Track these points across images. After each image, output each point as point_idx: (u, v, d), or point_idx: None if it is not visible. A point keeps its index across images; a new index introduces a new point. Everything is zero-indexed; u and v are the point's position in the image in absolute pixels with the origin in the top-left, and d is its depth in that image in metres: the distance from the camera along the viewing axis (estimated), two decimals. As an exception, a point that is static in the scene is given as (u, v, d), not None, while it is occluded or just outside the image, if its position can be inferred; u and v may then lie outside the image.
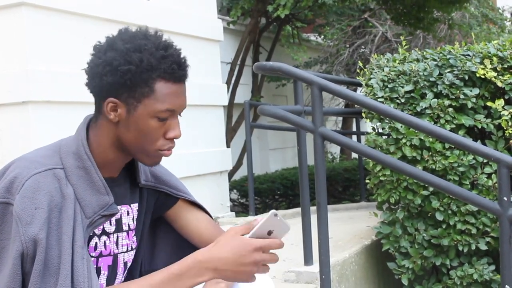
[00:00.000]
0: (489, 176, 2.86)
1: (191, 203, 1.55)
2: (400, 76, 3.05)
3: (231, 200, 5.67)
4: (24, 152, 1.36)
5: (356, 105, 3.89)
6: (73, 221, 1.23)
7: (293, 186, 6.39)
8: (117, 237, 1.39)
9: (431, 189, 2.87)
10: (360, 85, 3.50)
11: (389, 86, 3.03)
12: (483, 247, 2.84)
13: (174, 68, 1.28)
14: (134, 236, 1.44)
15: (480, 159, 2.85)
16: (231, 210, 5.01)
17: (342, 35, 7.62)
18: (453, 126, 2.89)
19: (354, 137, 5.72)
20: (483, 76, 2.88)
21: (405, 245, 2.95)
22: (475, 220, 2.84)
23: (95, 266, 1.34)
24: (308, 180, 2.64)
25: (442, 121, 2.90)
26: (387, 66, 3.14)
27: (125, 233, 1.41)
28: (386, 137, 3.04)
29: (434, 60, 3.05)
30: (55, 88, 3.20)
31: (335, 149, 9.26)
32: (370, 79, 3.13)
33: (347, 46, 7.68)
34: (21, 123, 3.10)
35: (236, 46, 6.56)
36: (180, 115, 1.35)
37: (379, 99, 2.98)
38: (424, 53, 3.16)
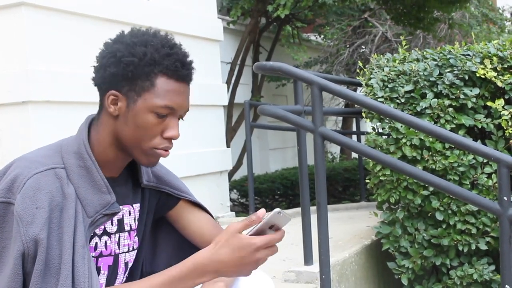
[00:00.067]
0: (489, 176, 2.86)
1: (193, 203, 1.55)
2: (400, 76, 3.05)
3: (231, 200, 5.67)
4: (24, 152, 1.36)
5: (356, 105, 3.89)
6: (74, 221, 1.23)
7: (293, 186, 6.39)
8: (119, 237, 1.39)
9: (431, 189, 2.87)
10: (360, 85, 3.50)
11: (389, 86, 3.03)
12: (483, 247, 2.84)
13: (178, 66, 1.29)
14: (136, 237, 1.44)
15: (480, 159, 2.85)
16: (231, 210, 5.01)
17: (342, 35, 7.62)
18: (453, 126, 2.89)
19: (354, 137, 5.72)
20: (483, 76, 2.88)
21: (405, 245, 2.95)
22: (475, 220, 2.84)
23: (95, 266, 1.34)
24: (308, 180, 2.64)
25: (442, 121, 2.90)
26: (387, 66, 3.14)
27: (126, 233, 1.41)
28: (386, 137, 3.04)
29: (434, 60, 3.05)
30: (55, 88, 3.20)
31: (335, 149, 9.26)
32: (370, 79, 3.13)
33: (347, 46, 7.67)
34: (21, 123, 3.10)
35: (236, 46, 6.56)
36: (182, 118, 1.35)
37: (379, 99, 2.98)
38: (424, 53, 3.16)
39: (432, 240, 2.91)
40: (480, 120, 2.91)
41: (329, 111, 5.03)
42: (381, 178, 2.97)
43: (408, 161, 2.87)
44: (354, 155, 7.84)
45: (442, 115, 2.91)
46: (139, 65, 1.27)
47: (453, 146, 2.83)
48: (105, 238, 1.36)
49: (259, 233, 1.21)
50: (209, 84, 4.57)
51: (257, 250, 1.20)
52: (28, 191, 1.20)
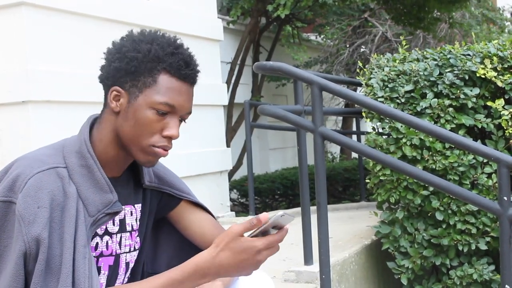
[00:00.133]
0: (489, 176, 2.86)
1: (194, 204, 1.55)
2: (400, 76, 3.05)
3: (231, 199, 5.67)
4: (24, 152, 1.36)
5: (356, 105, 3.89)
6: (76, 220, 1.23)
7: (293, 186, 6.39)
8: (121, 237, 1.39)
9: (431, 188, 2.87)
10: (360, 84, 3.50)
11: (389, 85, 3.03)
12: (483, 247, 2.84)
13: (181, 65, 1.30)
14: (137, 237, 1.44)
15: (480, 159, 2.85)
16: (231, 210, 5.01)
17: (342, 35, 7.62)
18: (453, 125, 2.89)
19: (354, 137, 5.72)
20: (483, 76, 2.88)
21: (404, 244, 2.95)
22: (475, 220, 2.84)
23: (95, 265, 1.34)
24: (308, 180, 2.64)
25: (442, 120, 2.90)
26: (387, 66, 3.14)
27: (128, 234, 1.41)
28: (386, 136, 3.04)
29: (435, 59, 3.05)
30: (55, 88, 3.20)
31: (335, 149, 9.26)
32: (370, 78, 3.13)
33: (347, 46, 7.67)
34: (21, 123, 3.10)
35: (236, 45, 6.55)
36: (184, 121, 1.35)
37: (379, 99, 2.98)
38: (424, 52, 3.16)
39: (432, 240, 2.91)
40: (480, 120, 2.91)
41: (329, 111, 5.03)
42: (381, 178, 2.97)
43: (408, 161, 2.87)
44: (354, 155, 7.84)
45: (442, 115, 2.91)
46: (142, 61, 1.28)
47: (453, 146, 2.83)
48: (106, 238, 1.36)
49: (261, 233, 1.20)
50: (209, 84, 4.57)
51: (258, 252, 1.20)
52: (30, 190, 1.20)
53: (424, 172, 2.45)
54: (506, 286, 2.26)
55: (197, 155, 4.36)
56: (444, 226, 2.89)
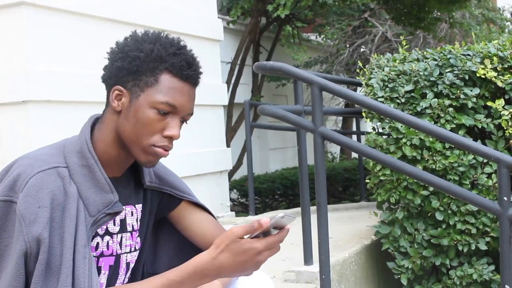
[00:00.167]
0: (489, 176, 2.86)
1: (195, 204, 1.55)
2: (400, 76, 3.05)
3: (231, 199, 5.67)
4: (24, 152, 1.36)
5: (356, 105, 3.89)
6: (76, 220, 1.23)
7: (293, 186, 6.39)
8: (121, 237, 1.39)
9: (431, 189, 2.87)
10: (360, 85, 3.50)
11: (389, 86, 3.03)
12: (483, 247, 2.84)
13: (183, 65, 1.30)
14: (138, 237, 1.44)
15: (480, 159, 2.85)
16: (231, 210, 5.01)
17: (342, 35, 7.62)
18: (453, 126, 2.89)
19: (354, 137, 5.72)
20: (483, 76, 2.88)
21: (404, 244, 2.95)
22: (475, 220, 2.84)
23: (95, 265, 1.34)
24: (308, 180, 2.64)
25: (442, 121, 2.90)
26: (387, 66, 3.14)
27: (129, 234, 1.41)
28: (386, 136, 3.04)
29: (435, 59, 3.05)
30: (55, 87, 3.20)
31: (335, 149, 9.26)
32: (370, 79, 3.13)
33: (347, 46, 7.67)
34: (21, 122, 3.10)
35: (236, 45, 6.55)
36: (186, 122, 1.36)
37: (379, 99, 2.98)
38: (425, 52, 3.16)
39: (432, 240, 2.91)
40: (480, 120, 2.91)
41: (329, 111, 5.03)
42: (381, 178, 2.97)
43: (408, 161, 2.87)
44: (354, 155, 7.84)
45: (442, 115, 2.91)
46: (145, 61, 1.29)
47: (453, 146, 2.83)
48: (107, 238, 1.36)
49: (262, 233, 1.20)
50: (209, 84, 4.57)
51: (258, 253, 1.20)
52: (31, 190, 1.20)
53: (424, 172, 2.45)
54: (506, 286, 2.26)
55: (197, 155, 4.36)
56: (444, 226, 2.89)
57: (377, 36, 7.44)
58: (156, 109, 1.28)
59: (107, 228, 1.36)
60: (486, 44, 3.07)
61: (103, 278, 1.37)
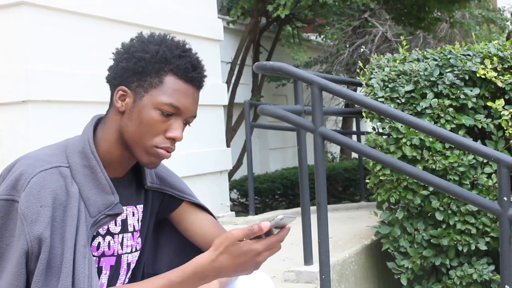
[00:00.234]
0: (489, 176, 2.86)
1: (195, 205, 1.55)
2: (400, 76, 3.05)
3: (231, 199, 5.67)
4: (24, 152, 1.36)
5: (356, 105, 3.89)
6: (77, 220, 1.23)
7: (293, 186, 6.39)
8: (122, 237, 1.40)
9: (431, 189, 2.87)
10: (360, 85, 3.50)
11: (389, 86, 3.03)
12: (483, 247, 2.84)
13: (188, 68, 1.31)
14: (139, 238, 1.45)
15: (480, 159, 2.85)
16: (231, 210, 5.01)
17: (342, 35, 7.61)
18: (453, 126, 2.89)
19: (354, 137, 5.72)
20: (483, 76, 2.88)
21: (404, 245, 2.95)
22: (475, 220, 2.84)
23: (96, 265, 1.34)
24: (308, 180, 2.64)
25: (442, 121, 2.90)
26: (387, 66, 3.14)
27: (130, 234, 1.41)
28: (386, 136, 3.04)
29: (435, 60, 3.05)
30: (55, 87, 3.20)
31: (335, 149, 9.26)
32: (370, 79, 3.13)
33: (347, 46, 7.67)
34: (21, 123, 3.10)
35: (236, 45, 6.55)
36: (189, 124, 1.36)
37: (379, 99, 2.98)
38: (425, 53, 3.16)
39: (431, 240, 2.91)
40: (480, 120, 2.91)
41: (329, 111, 5.03)
42: (381, 178, 2.97)
43: (408, 161, 2.87)
44: (354, 155, 7.84)
45: (442, 115, 2.91)
46: (150, 62, 1.29)
47: (453, 146, 2.83)
48: (108, 238, 1.36)
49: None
50: (209, 84, 4.55)
51: (258, 254, 1.20)
52: (33, 189, 1.20)
53: (424, 172, 2.45)
54: (506, 286, 2.26)
55: (197, 155, 4.36)
56: (444, 226, 2.89)
57: (377, 36, 7.44)
58: (159, 110, 1.29)
59: (108, 228, 1.36)
60: (486, 44, 3.07)
61: (104, 278, 1.37)
